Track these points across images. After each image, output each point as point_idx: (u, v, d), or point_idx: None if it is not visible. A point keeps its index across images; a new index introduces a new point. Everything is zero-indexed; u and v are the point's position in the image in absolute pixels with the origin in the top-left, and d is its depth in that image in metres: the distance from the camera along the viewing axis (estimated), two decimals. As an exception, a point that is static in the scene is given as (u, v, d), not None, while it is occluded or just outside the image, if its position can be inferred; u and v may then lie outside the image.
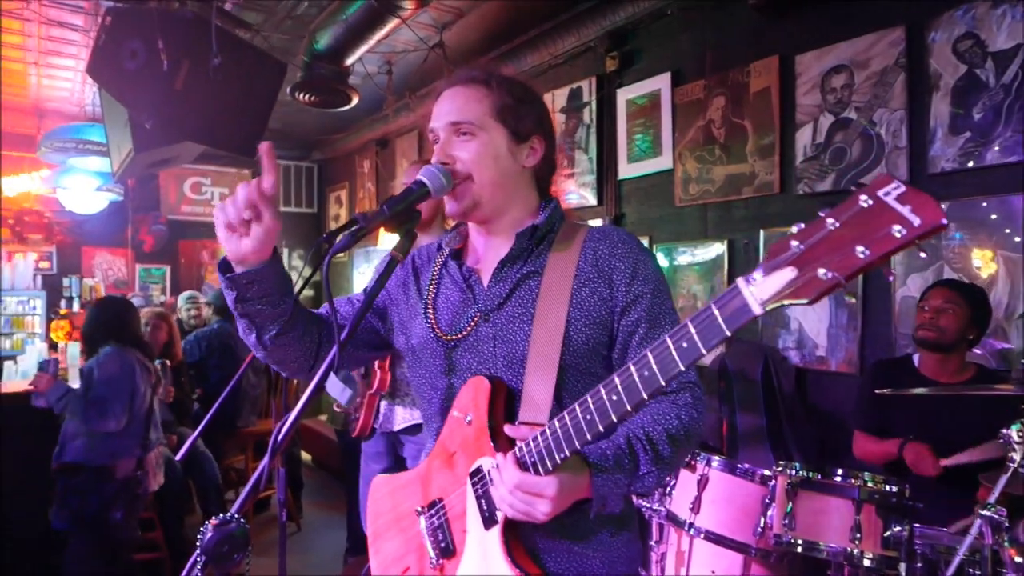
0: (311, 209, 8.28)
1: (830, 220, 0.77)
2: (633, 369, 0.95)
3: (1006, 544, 1.78)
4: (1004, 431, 1.79)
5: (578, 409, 1.02)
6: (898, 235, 0.73)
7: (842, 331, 3.07)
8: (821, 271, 0.76)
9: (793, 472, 2.19)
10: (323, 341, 1.34)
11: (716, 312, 0.84)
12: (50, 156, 5.68)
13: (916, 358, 2.58)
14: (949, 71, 2.70)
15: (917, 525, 2.06)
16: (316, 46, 3.95)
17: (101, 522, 3.16)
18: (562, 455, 1.04)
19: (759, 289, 0.80)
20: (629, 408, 0.96)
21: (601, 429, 1.00)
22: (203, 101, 3.03)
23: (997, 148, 2.56)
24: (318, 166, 8.25)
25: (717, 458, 2.42)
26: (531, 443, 1.08)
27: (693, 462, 2.45)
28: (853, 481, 2.10)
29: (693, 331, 0.87)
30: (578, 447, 1.03)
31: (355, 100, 4.41)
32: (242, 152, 3.36)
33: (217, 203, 1.16)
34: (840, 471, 2.15)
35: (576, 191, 4.36)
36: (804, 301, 0.77)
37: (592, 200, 4.24)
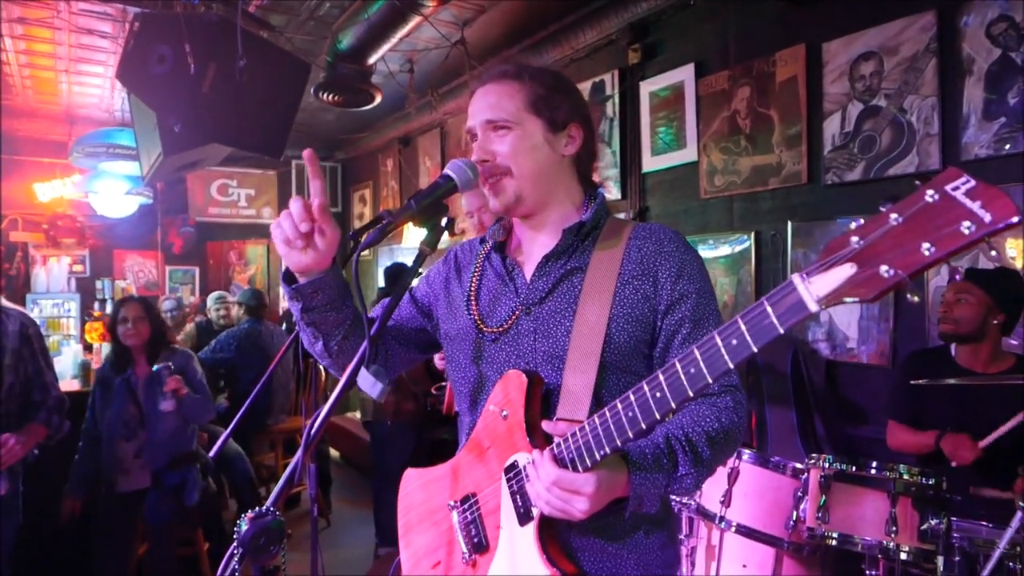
0: (335, 208, 8.34)
1: (893, 215, 0.74)
2: (679, 366, 0.93)
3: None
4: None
5: (620, 406, 1.01)
6: (967, 232, 0.69)
7: (873, 323, 3.02)
8: (883, 268, 0.73)
9: (826, 465, 2.16)
10: (381, 343, 1.37)
11: (769, 308, 0.81)
12: (81, 161, 5.80)
13: (953, 348, 2.53)
14: (982, 55, 2.64)
15: (955, 518, 2.02)
16: (339, 46, 3.98)
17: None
18: (602, 452, 1.03)
19: (816, 285, 0.77)
20: (673, 406, 0.94)
21: (643, 427, 0.98)
22: (229, 103, 3.07)
23: (1033, 133, 2.50)
24: (341, 165, 8.32)
25: (748, 451, 2.40)
26: (569, 439, 1.07)
27: (723, 455, 2.43)
28: (888, 473, 2.07)
29: (744, 328, 0.84)
30: (619, 444, 1.01)
31: (378, 99, 4.44)
32: (268, 152, 3.40)
33: (273, 221, 1.18)
34: (875, 463, 2.12)
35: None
36: (864, 299, 0.74)
37: (616, 194, 4.21)
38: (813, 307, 0.78)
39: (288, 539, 1.08)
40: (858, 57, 3.02)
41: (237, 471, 4.33)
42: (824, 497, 2.13)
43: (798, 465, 2.32)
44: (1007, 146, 2.57)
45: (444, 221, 1.22)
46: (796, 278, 0.79)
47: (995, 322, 2.39)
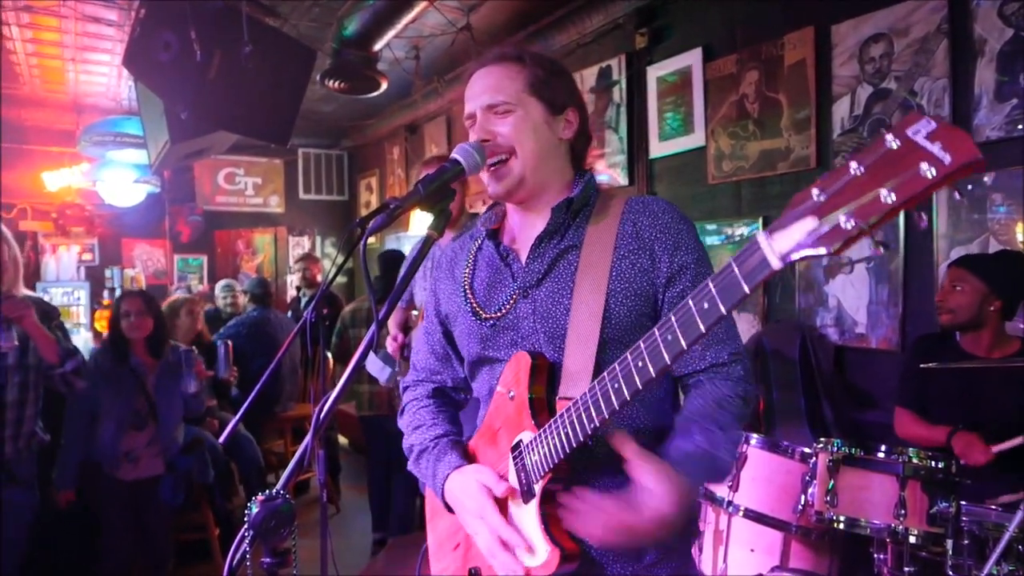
0: (342, 197, 8.35)
1: (854, 164, 0.72)
2: (658, 334, 0.94)
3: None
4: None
5: (607, 377, 1.01)
6: (927, 175, 0.67)
7: (882, 307, 3.00)
8: (843, 219, 0.72)
9: (835, 448, 2.16)
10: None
11: (736, 269, 0.81)
12: (89, 150, 5.82)
13: (958, 333, 2.52)
14: (995, 36, 2.60)
15: (964, 502, 2.01)
16: (344, 32, 3.96)
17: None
18: (592, 425, 1.03)
19: (779, 242, 0.77)
20: (654, 375, 0.95)
21: (627, 397, 0.99)
22: (235, 90, 3.07)
23: (1046, 114, 2.47)
24: (348, 154, 8.31)
25: (756, 436, 2.40)
26: (564, 415, 1.08)
27: (731, 440, 2.43)
28: (897, 457, 2.06)
29: (714, 291, 0.85)
30: (606, 415, 1.02)
31: (384, 85, 4.42)
32: (274, 140, 3.40)
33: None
34: (883, 447, 2.11)
35: (607, 171, 4.32)
36: (825, 252, 0.73)
37: (623, 180, 4.20)
38: (776, 264, 0.77)
39: (297, 525, 1.08)
40: (867, 39, 2.99)
41: (246, 458, 4.37)
42: (832, 481, 2.13)
43: (806, 449, 2.31)
44: (1020, 127, 2.54)
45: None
46: (760, 236, 0.79)
47: (992, 308, 2.37)
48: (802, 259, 0.76)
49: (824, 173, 0.76)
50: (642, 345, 0.96)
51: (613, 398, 1.00)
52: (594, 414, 1.03)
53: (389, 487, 4.09)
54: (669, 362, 0.92)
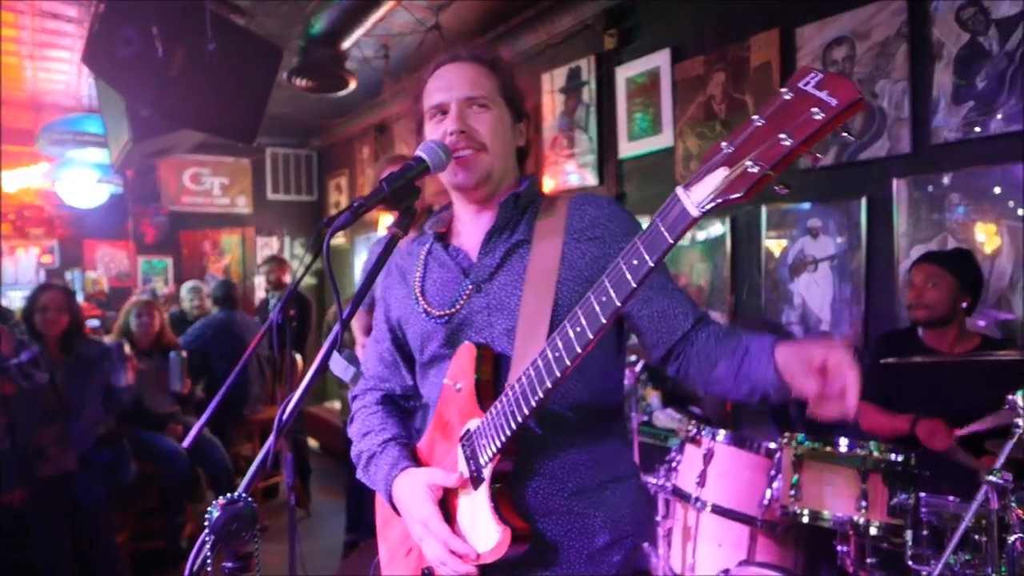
0: (311, 197, 8.26)
1: (755, 118, 0.81)
2: (592, 297, 0.98)
3: (1013, 504, 1.77)
4: (1010, 397, 1.79)
5: (547, 348, 1.04)
6: (818, 117, 0.76)
7: (845, 305, 3.06)
8: (749, 165, 0.79)
9: (799, 443, 2.19)
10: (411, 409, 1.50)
11: (659, 224, 0.88)
12: (49, 149, 5.68)
13: (920, 329, 2.57)
14: (952, 40, 2.67)
15: (923, 494, 2.06)
16: (312, 30, 3.93)
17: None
18: (536, 398, 1.05)
19: (696, 194, 0.84)
20: (592, 337, 0.98)
21: (568, 363, 1.01)
22: (200, 88, 3.02)
23: (1000, 117, 2.54)
24: (317, 153, 8.22)
25: (723, 432, 2.43)
26: (509, 393, 1.10)
27: (699, 437, 2.46)
28: (859, 451, 2.10)
29: (641, 247, 0.90)
30: (550, 386, 1.03)
31: (352, 84, 4.39)
32: (240, 139, 3.35)
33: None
34: (846, 441, 2.15)
35: (576, 171, 4.34)
36: (738, 195, 0.80)
37: (593, 180, 4.22)
38: (695, 212, 0.84)
39: (266, 530, 1.07)
40: (831, 42, 3.04)
41: (213, 461, 4.30)
42: (796, 475, 2.16)
43: (771, 445, 2.35)
44: (976, 129, 2.60)
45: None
46: (679, 190, 0.86)
47: (963, 305, 2.43)
48: (717, 205, 0.83)
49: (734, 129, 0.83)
50: (579, 311, 0.99)
51: (555, 366, 1.02)
52: (537, 386, 1.05)
53: (364, 488, 4.06)
54: (606, 322, 0.96)
